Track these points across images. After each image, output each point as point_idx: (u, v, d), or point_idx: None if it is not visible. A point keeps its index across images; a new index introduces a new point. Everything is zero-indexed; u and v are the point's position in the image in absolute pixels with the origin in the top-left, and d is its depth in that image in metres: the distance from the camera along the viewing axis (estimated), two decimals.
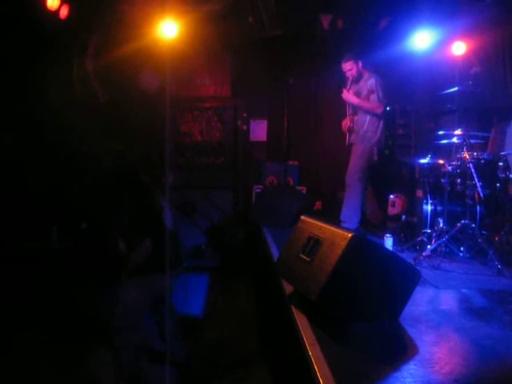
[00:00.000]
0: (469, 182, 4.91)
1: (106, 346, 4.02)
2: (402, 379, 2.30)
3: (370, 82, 6.02)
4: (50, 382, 3.97)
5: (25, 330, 4.62)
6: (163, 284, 3.92)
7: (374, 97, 5.98)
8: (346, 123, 6.30)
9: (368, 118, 6.06)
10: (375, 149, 6.12)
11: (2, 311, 4.82)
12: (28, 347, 4.39)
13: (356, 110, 6.19)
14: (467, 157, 4.88)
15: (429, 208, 5.25)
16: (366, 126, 6.07)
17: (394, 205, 6.29)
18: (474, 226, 4.85)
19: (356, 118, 6.17)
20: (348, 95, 6.10)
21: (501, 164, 4.95)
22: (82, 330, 4.64)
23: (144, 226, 3.84)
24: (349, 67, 6.10)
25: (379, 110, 5.99)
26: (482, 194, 4.81)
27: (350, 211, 6.11)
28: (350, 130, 6.23)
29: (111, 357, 3.84)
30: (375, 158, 6.15)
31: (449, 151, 6.05)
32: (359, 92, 6.10)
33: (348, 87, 6.12)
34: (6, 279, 5.34)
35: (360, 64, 6.10)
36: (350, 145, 6.27)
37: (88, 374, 4.03)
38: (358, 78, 6.13)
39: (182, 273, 4.20)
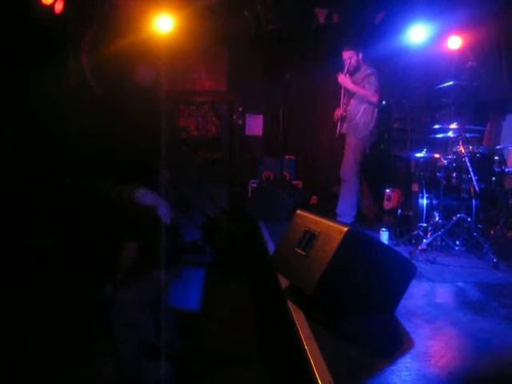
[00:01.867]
0: (464, 176, 4.92)
1: (104, 343, 4.02)
2: (397, 372, 2.31)
3: (366, 72, 6.02)
4: (49, 381, 3.96)
5: (25, 329, 4.61)
6: (162, 280, 3.92)
7: (369, 85, 5.96)
8: (337, 113, 6.29)
9: (363, 107, 6.03)
10: (367, 141, 6.11)
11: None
12: (28, 345, 4.38)
13: (350, 98, 6.17)
14: (463, 151, 4.88)
15: (424, 202, 5.26)
16: (359, 115, 6.04)
17: (389, 199, 6.29)
18: (469, 219, 4.86)
19: (349, 107, 6.15)
20: (344, 79, 6.08)
21: (496, 158, 4.97)
22: (80, 326, 4.64)
23: (135, 221, 3.84)
24: (348, 56, 6.10)
25: (374, 99, 5.96)
26: (477, 188, 4.81)
27: (346, 205, 6.12)
28: (342, 119, 6.21)
29: (111, 355, 3.83)
30: (367, 150, 6.14)
31: (444, 145, 6.06)
32: (355, 82, 6.08)
33: (345, 71, 6.09)
34: (2, 276, 5.32)
35: (360, 56, 6.10)
36: (342, 135, 6.25)
37: (87, 372, 4.02)
38: (355, 70, 6.12)
39: (182, 269, 4.19)
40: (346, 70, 6.08)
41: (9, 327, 4.56)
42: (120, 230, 3.80)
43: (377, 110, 6.07)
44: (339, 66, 6.23)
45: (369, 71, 6.00)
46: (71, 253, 6.30)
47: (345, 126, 6.19)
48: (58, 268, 5.90)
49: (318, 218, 3.24)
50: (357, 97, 6.08)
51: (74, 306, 5.00)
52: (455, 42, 6.69)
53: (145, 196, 3.99)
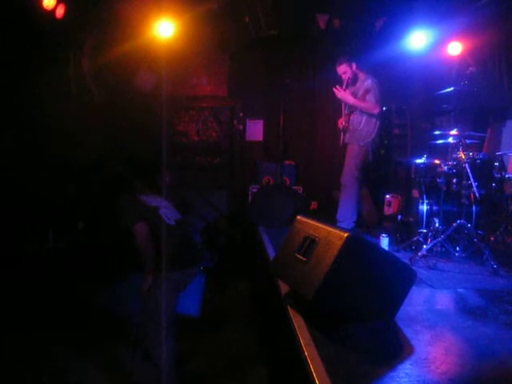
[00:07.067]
0: (464, 182, 4.92)
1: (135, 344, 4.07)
2: (397, 379, 2.30)
3: (366, 82, 5.99)
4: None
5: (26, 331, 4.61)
6: (180, 281, 3.95)
7: (369, 96, 5.95)
8: (341, 122, 6.28)
9: (364, 118, 6.02)
10: (369, 148, 6.10)
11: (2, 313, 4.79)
12: (27, 347, 4.38)
13: (352, 109, 6.17)
14: (463, 157, 4.88)
15: (425, 208, 5.25)
16: (361, 125, 6.03)
17: (389, 205, 6.29)
18: (469, 225, 4.85)
19: (352, 117, 6.14)
20: (344, 94, 6.06)
21: (496, 164, 4.97)
22: (111, 328, 4.66)
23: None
24: (343, 70, 6.10)
25: (375, 111, 5.95)
26: (477, 194, 4.81)
27: (347, 211, 6.11)
28: (345, 130, 6.21)
29: (143, 355, 3.86)
30: (370, 157, 6.13)
31: (445, 151, 6.05)
32: (355, 93, 6.07)
33: (344, 87, 6.09)
34: (2, 280, 5.32)
35: (354, 66, 6.08)
36: (345, 145, 6.25)
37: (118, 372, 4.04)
38: (354, 80, 6.12)
39: (198, 270, 4.19)
40: (344, 86, 6.07)
41: (35, 329, 4.57)
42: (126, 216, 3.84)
43: (379, 119, 6.05)
44: (339, 75, 6.22)
45: (369, 81, 5.97)
46: (73, 256, 6.31)
47: (347, 135, 6.19)
48: (57, 272, 5.91)
49: (318, 224, 3.24)
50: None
51: (102, 308, 5.03)
52: (455, 48, 6.71)
53: (151, 198, 4.04)
